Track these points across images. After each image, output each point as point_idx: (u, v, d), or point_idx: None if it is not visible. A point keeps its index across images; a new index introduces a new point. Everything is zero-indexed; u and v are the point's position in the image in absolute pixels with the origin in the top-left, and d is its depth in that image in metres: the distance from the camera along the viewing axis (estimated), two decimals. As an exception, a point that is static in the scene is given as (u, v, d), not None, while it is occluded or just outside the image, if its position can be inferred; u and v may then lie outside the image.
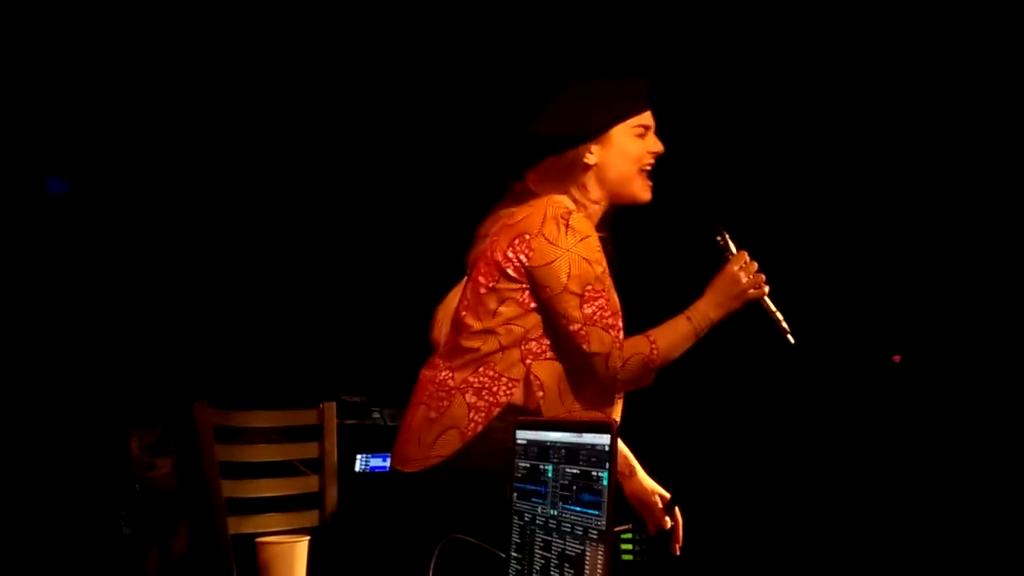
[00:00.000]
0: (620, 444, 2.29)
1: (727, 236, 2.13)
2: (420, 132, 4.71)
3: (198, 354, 4.75)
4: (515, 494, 1.75)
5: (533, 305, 2.07)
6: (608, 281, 2.10)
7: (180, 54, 4.54)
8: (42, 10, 4.33)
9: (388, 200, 4.91)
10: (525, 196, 2.16)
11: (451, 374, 2.09)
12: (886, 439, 4.02)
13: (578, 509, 1.52)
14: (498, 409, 2.03)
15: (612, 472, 1.46)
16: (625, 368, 2.02)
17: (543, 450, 1.66)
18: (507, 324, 2.06)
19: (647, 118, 2.17)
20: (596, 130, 2.12)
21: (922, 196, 4.07)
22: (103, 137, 4.82)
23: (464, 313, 2.13)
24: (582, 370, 2.06)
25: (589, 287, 2.03)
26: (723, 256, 2.11)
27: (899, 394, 4.02)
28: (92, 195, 4.92)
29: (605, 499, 1.46)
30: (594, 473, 1.50)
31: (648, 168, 2.17)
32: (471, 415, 2.03)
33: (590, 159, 2.13)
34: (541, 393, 2.04)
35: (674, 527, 2.19)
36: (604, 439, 1.49)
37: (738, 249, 2.11)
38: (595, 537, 1.47)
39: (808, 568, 3.85)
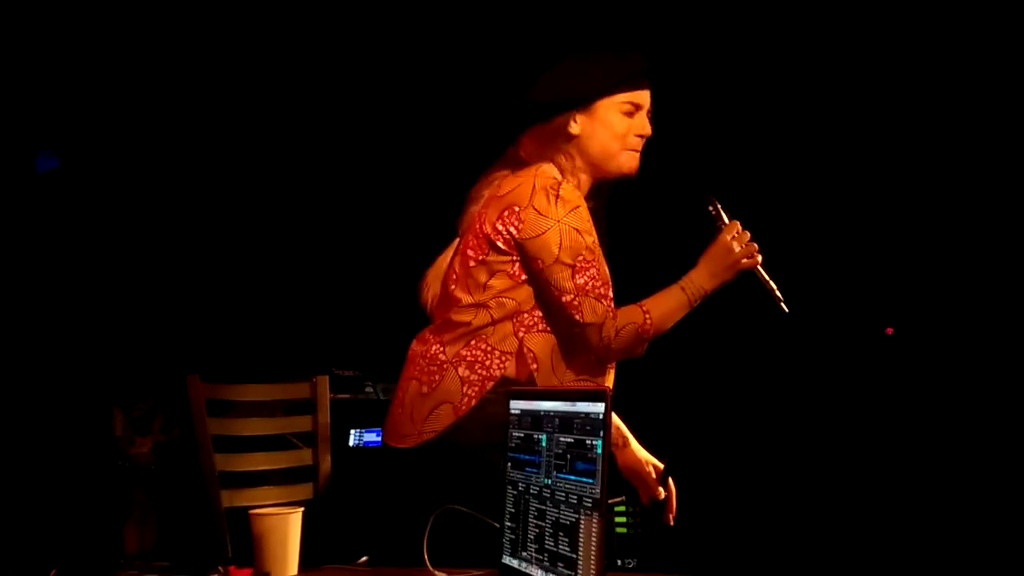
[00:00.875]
0: (613, 415, 2.27)
1: (719, 206, 2.12)
2: (409, 99, 4.68)
3: (190, 328, 4.73)
4: (509, 464, 1.75)
5: (524, 277, 2.07)
6: (598, 251, 2.09)
7: (171, 33, 4.51)
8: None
9: (379, 170, 4.89)
10: (516, 162, 2.16)
11: (442, 348, 2.07)
12: (879, 411, 4.03)
13: (572, 478, 1.52)
14: (492, 383, 2.02)
15: (606, 440, 1.46)
16: (618, 338, 2.01)
17: (537, 419, 1.66)
18: (498, 297, 2.06)
19: (639, 97, 2.14)
20: (580, 99, 2.11)
21: (915, 169, 4.07)
22: (93, 113, 4.78)
23: (454, 287, 2.12)
24: (575, 341, 2.05)
25: (580, 257, 2.02)
26: (715, 226, 2.10)
27: (892, 366, 4.03)
28: (81, 171, 4.89)
29: (599, 467, 1.46)
30: (588, 441, 1.50)
31: (634, 149, 2.15)
32: (464, 389, 2.03)
33: (573, 128, 2.12)
34: (535, 366, 2.04)
35: (667, 497, 2.18)
36: (598, 407, 1.49)
37: (730, 219, 2.11)
38: (589, 505, 1.46)
39: (801, 540, 3.87)
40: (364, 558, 1.96)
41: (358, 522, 2.15)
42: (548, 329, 2.08)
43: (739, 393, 4.03)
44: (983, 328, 3.87)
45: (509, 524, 1.72)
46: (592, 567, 1.43)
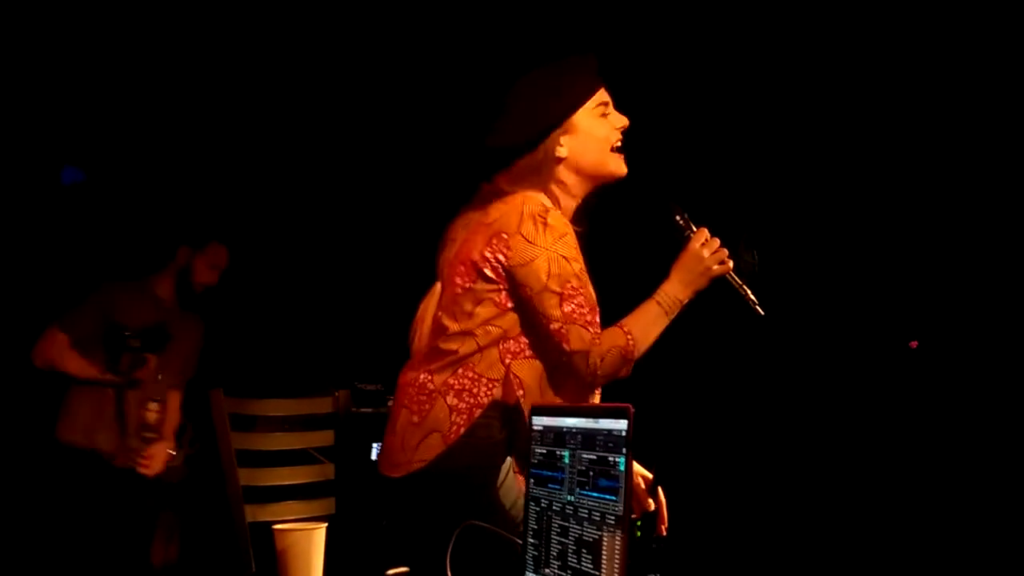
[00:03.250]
0: None
1: (686, 216, 2.13)
2: (424, 122, 4.71)
3: (215, 344, 4.75)
4: (531, 480, 1.75)
5: (510, 305, 2.07)
6: (585, 277, 2.10)
7: (191, 39, 4.54)
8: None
9: (401, 183, 4.90)
10: (494, 197, 2.14)
11: (430, 376, 2.08)
12: (902, 425, 4.00)
13: (595, 495, 1.52)
14: (479, 410, 2.03)
15: (629, 457, 1.46)
16: (604, 363, 2.02)
17: (559, 436, 1.66)
18: (484, 325, 2.06)
19: (604, 95, 2.15)
20: (559, 120, 2.11)
21: (939, 182, 4.05)
22: (116, 127, 4.82)
23: (441, 314, 2.13)
24: (562, 367, 2.06)
25: (568, 285, 2.03)
26: (684, 235, 2.11)
27: (916, 380, 4.00)
28: (104, 184, 4.93)
29: (622, 484, 1.46)
30: (611, 458, 1.49)
31: (618, 145, 2.16)
32: (453, 417, 2.03)
33: (561, 151, 2.12)
34: (521, 392, 2.05)
35: (658, 508, 2.18)
36: (621, 424, 1.48)
37: (698, 227, 2.11)
38: (612, 522, 1.46)
39: (826, 550, 3.84)
40: (404, 568, 1.96)
41: (380, 538, 2.15)
42: (535, 355, 2.09)
43: (757, 405, 4.01)
44: (1009, 342, 3.84)
45: (532, 541, 1.71)
46: (615, 585, 1.42)
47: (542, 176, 2.12)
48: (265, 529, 1.97)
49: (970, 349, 3.88)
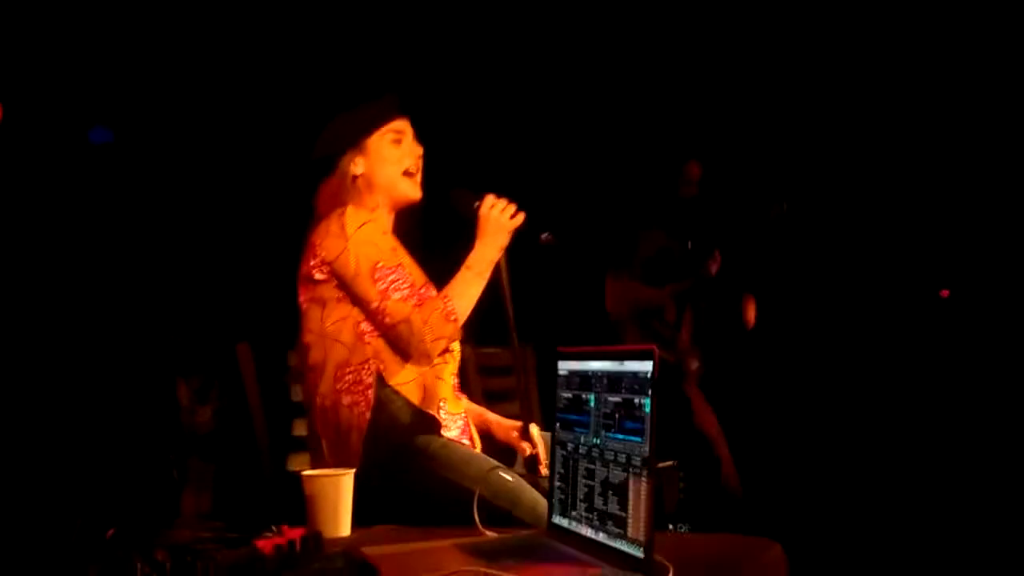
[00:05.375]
0: (467, 402, 2.41)
1: (465, 193, 2.29)
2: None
3: (241, 300, 4.79)
4: (557, 424, 1.75)
5: (348, 296, 2.21)
6: (402, 257, 2.28)
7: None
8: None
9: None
10: (316, 223, 2.31)
11: (321, 397, 2.19)
12: (933, 373, 3.98)
13: (621, 437, 1.51)
14: (371, 391, 2.15)
15: (655, 399, 1.45)
16: (428, 326, 2.15)
17: (585, 379, 1.66)
18: (336, 323, 2.21)
19: (399, 125, 2.36)
20: (350, 141, 2.33)
21: (969, 136, 3.99)
22: (147, 86, 4.83)
23: (301, 335, 2.27)
24: (395, 341, 2.18)
25: (379, 265, 2.19)
26: (474, 207, 2.27)
27: (947, 329, 3.97)
28: (133, 143, 4.95)
29: (647, 426, 1.45)
30: (636, 400, 1.49)
31: (412, 171, 2.35)
32: (355, 411, 2.14)
33: (356, 168, 2.33)
34: (382, 365, 2.17)
35: (535, 452, 2.25)
36: (646, 366, 1.48)
37: (483, 195, 2.28)
38: (638, 464, 1.46)
39: (856, 503, 3.84)
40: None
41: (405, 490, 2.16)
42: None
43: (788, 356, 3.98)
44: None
45: (558, 484, 1.72)
46: (641, 525, 1.42)
47: (343, 193, 2.32)
48: (294, 480, 1.99)
49: (1008, 295, 3.84)
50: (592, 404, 1.62)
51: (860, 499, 3.90)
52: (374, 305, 2.17)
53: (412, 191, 2.35)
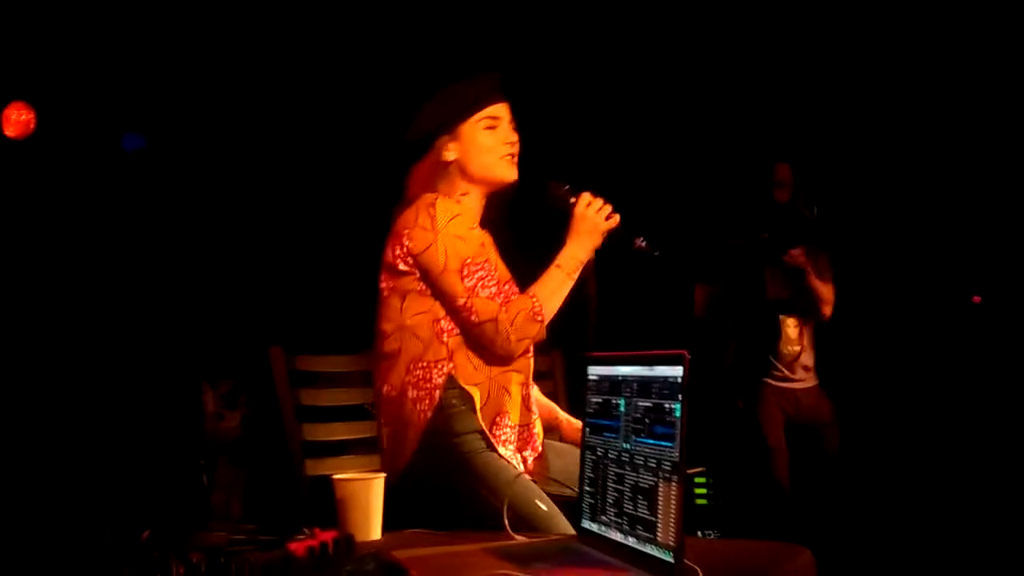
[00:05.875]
0: (540, 396, 2.41)
1: (567, 187, 2.24)
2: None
3: (271, 305, 4.82)
4: (587, 429, 1.76)
5: (431, 290, 2.18)
6: (489, 253, 2.24)
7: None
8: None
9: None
10: (404, 206, 2.28)
11: (390, 386, 2.19)
12: (966, 379, 3.94)
13: (651, 442, 1.52)
14: (439, 391, 2.13)
15: (685, 404, 1.46)
16: (515, 327, 2.12)
17: (615, 384, 1.66)
18: (416, 315, 2.17)
19: (496, 109, 2.29)
20: (444, 126, 2.27)
21: (1004, 136, 3.96)
22: (179, 92, 4.87)
23: (378, 321, 2.24)
24: (479, 339, 2.15)
25: (468, 260, 2.15)
26: (569, 204, 2.22)
27: (980, 334, 3.94)
28: (162, 151, 5.00)
29: (678, 431, 1.46)
30: (667, 405, 1.49)
31: (508, 156, 2.28)
32: (418, 407, 2.13)
33: (448, 155, 2.27)
34: (452, 365, 2.15)
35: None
36: (677, 371, 1.48)
37: (579, 193, 2.22)
38: (668, 469, 1.46)
39: (888, 509, 3.81)
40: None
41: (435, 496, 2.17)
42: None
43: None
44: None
45: (588, 489, 1.72)
46: (671, 529, 1.43)
47: (434, 177, 2.29)
48: (324, 483, 2.00)
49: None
50: (622, 409, 1.62)
51: (889, 504, 3.87)
52: (461, 301, 2.13)
53: (508, 173, 2.28)
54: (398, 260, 2.19)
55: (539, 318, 2.14)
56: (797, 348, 3.84)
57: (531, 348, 2.26)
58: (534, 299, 2.14)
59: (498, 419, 2.15)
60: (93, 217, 4.85)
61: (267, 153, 4.95)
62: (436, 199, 2.20)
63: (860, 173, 4.09)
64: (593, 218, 2.19)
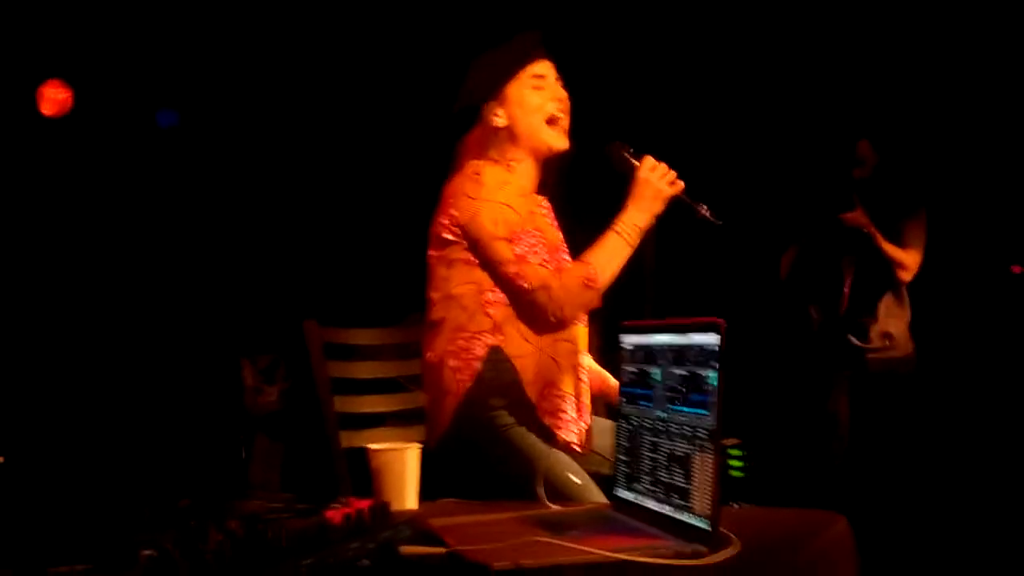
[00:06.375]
0: (592, 363, 2.36)
1: (630, 150, 2.16)
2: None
3: (310, 279, 4.84)
4: (623, 399, 1.75)
5: (477, 260, 2.14)
6: (540, 221, 2.19)
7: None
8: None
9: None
10: (452, 173, 2.25)
11: (433, 353, 2.17)
12: (1006, 351, 3.89)
13: (687, 410, 1.51)
14: (479, 363, 2.10)
15: (721, 371, 1.44)
16: (568, 293, 2.06)
17: (650, 353, 1.65)
18: (461, 285, 2.14)
19: (540, 68, 2.23)
20: (490, 91, 2.22)
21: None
22: (215, 65, 4.89)
23: (427, 290, 2.22)
24: (527, 307, 2.10)
25: (517, 227, 2.11)
26: (631, 167, 2.14)
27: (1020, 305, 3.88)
28: (200, 125, 5.02)
29: (714, 399, 1.45)
30: (702, 373, 1.48)
31: (557, 116, 2.22)
32: (457, 377, 2.11)
33: (498, 121, 2.21)
34: (501, 337, 2.11)
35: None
36: (712, 338, 1.47)
37: (642, 156, 2.15)
38: (704, 437, 1.45)
39: (920, 484, 3.78)
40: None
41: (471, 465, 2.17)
42: (509, 303, 2.15)
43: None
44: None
45: (623, 458, 1.72)
46: (707, 498, 1.42)
47: (485, 144, 2.23)
48: (359, 455, 2.01)
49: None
50: (658, 378, 1.61)
51: (927, 476, 3.84)
52: (511, 269, 2.08)
53: (557, 141, 2.22)
54: (444, 229, 2.16)
55: (594, 285, 2.07)
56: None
57: (585, 317, 2.22)
58: (589, 266, 2.08)
59: (546, 390, 2.12)
60: (131, 193, 4.89)
61: (305, 127, 4.96)
62: (484, 166, 2.17)
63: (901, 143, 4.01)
64: (656, 183, 2.11)
